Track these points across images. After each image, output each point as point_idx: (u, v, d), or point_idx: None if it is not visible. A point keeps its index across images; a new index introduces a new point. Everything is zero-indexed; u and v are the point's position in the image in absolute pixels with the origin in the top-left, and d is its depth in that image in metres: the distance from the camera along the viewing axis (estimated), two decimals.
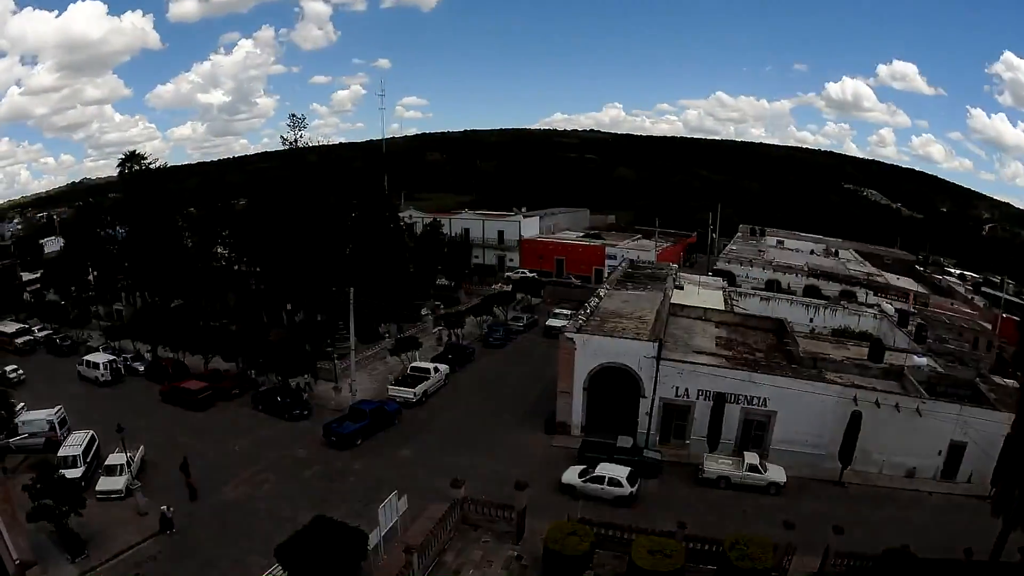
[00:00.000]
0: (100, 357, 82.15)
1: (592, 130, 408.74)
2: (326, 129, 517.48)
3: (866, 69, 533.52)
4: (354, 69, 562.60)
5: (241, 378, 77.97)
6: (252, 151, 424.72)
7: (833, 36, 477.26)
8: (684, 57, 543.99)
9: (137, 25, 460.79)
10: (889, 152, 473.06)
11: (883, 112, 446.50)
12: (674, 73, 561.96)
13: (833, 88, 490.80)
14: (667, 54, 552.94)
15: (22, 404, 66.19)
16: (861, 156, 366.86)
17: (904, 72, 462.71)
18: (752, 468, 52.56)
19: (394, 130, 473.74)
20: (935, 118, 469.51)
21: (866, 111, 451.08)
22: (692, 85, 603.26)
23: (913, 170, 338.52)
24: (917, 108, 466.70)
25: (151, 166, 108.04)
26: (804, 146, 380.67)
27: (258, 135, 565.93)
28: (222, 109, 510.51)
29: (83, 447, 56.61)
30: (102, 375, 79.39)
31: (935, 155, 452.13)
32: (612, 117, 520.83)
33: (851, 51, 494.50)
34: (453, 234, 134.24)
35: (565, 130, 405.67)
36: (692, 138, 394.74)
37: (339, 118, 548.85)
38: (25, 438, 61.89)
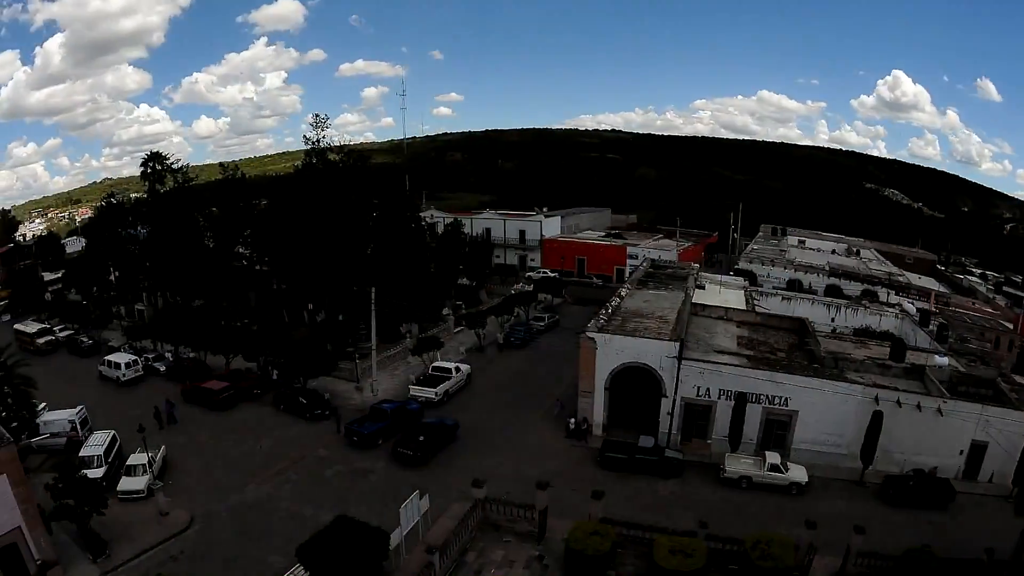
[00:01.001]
0: (121, 357, 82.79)
1: (614, 130, 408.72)
2: (358, 126, 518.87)
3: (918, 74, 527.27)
4: (385, 62, 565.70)
5: (262, 378, 78.29)
6: (273, 151, 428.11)
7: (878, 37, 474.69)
8: (718, 57, 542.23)
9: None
10: (929, 153, 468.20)
11: (931, 115, 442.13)
12: (711, 72, 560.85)
13: (882, 88, 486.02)
14: (702, 54, 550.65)
15: (43, 404, 66.52)
16: (883, 156, 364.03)
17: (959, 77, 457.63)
18: (774, 468, 52.58)
19: (424, 129, 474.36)
20: (991, 125, 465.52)
21: (908, 112, 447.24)
22: (736, 83, 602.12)
23: (935, 170, 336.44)
24: (975, 115, 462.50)
25: (173, 166, 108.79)
26: (827, 146, 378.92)
27: (281, 134, 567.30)
28: (245, 106, 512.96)
29: (104, 447, 57.02)
30: (123, 375, 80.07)
31: (974, 157, 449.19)
32: (645, 118, 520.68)
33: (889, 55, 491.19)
34: (475, 234, 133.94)
35: (587, 130, 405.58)
36: (714, 138, 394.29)
37: (366, 115, 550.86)
38: (46, 438, 62.21)
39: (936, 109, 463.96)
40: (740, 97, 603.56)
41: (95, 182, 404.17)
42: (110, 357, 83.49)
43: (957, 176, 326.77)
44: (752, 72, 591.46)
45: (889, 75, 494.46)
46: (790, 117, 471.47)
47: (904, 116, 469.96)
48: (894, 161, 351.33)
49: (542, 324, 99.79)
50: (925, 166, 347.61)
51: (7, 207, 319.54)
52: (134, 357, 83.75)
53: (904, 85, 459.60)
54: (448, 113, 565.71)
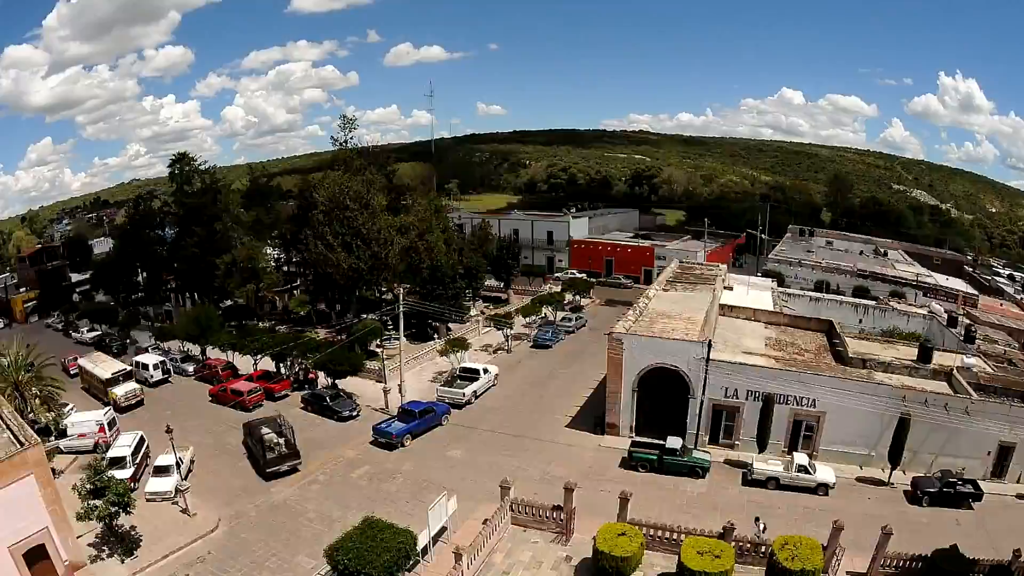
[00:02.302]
0: (150, 358, 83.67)
1: (642, 131, 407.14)
2: (393, 126, 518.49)
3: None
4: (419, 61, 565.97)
5: (290, 379, 79.00)
6: (303, 151, 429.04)
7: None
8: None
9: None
10: (983, 153, 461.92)
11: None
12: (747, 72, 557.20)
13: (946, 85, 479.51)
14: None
15: (72, 406, 67.25)
16: (911, 157, 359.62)
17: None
18: (801, 469, 52.62)
19: (452, 128, 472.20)
20: None
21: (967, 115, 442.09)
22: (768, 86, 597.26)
23: (962, 170, 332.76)
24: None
25: (200, 167, 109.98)
26: (854, 147, 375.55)
27: (315, 136, 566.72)
28: (275, 106, 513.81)
29: (132, 448, 57.42)
30: (152, 376, 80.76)
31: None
32: (676, 122, 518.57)
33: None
34: (502, 235, 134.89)
35: (615, 131, 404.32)
36: (742, 139, 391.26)
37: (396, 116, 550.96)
38: (74, 439, 62.71)
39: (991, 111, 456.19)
40: (770, 98, 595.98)
41: (122, 183, 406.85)
42: (138, 358, 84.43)
43: (985, 177, 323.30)
44: (779, 75, 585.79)
45: (944, 77, 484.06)
46: (824, 122, 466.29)
47: (957, 120, 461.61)
48: (921, 162, 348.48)
49: (570, 325, 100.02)
50: (953, 167, 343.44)
51: (35, 208, 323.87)
52: (162, 358, 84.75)
53: (960, 90, 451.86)
54: (488, 111, 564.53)
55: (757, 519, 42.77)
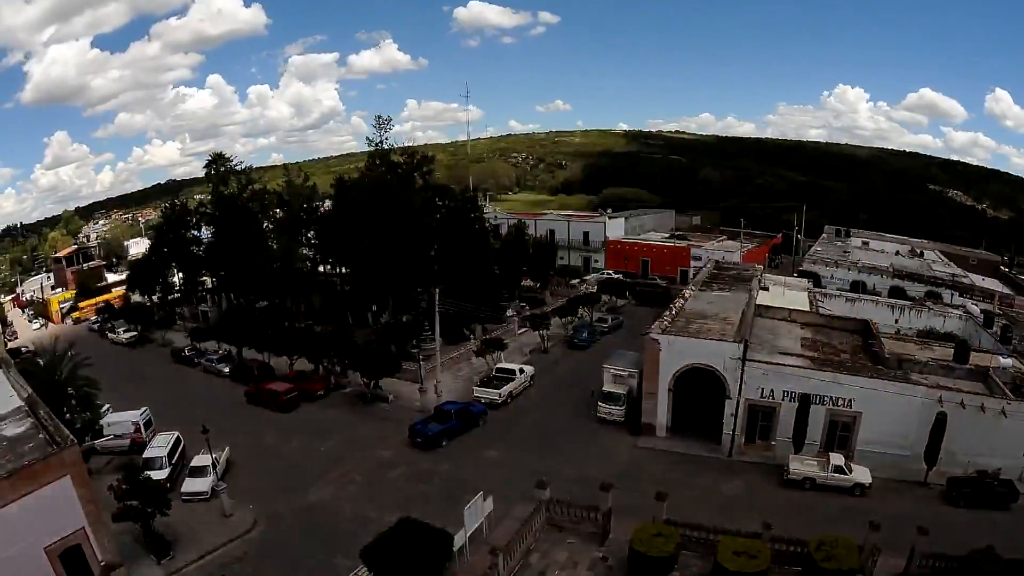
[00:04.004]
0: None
1: (678, 132, 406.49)
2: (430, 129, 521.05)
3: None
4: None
5: (326, 379, 79.70)
6: (337, 152, 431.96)
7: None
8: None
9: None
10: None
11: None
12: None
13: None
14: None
15: (107, 406, 67.72)
16: (946, 157, 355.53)
17: None
18: (837, 469, 52.82)
19: (489, 131, 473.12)
20: None
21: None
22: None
23: (998, 171, 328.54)
24: None
25: (236, 167, 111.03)
26: (889, 147, 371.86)
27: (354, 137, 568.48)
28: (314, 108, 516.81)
29: (168, 448, 58.11)
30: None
31: None
32: (716, 124, 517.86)
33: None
34: (538, 235, 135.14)
35: (651, 131, 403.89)
36: (777, 140, 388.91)
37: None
38: (110, 439, 63.84)
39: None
40: (811, 106, 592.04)
41: (159, 183, 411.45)
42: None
43: (1020, 177, 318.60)
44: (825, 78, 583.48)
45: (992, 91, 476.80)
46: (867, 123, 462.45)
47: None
48: (957, 162, 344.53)
49: (606, 325, 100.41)
50: (989, 167, 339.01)
51: (70, 208, 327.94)
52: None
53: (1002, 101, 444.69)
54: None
55: None
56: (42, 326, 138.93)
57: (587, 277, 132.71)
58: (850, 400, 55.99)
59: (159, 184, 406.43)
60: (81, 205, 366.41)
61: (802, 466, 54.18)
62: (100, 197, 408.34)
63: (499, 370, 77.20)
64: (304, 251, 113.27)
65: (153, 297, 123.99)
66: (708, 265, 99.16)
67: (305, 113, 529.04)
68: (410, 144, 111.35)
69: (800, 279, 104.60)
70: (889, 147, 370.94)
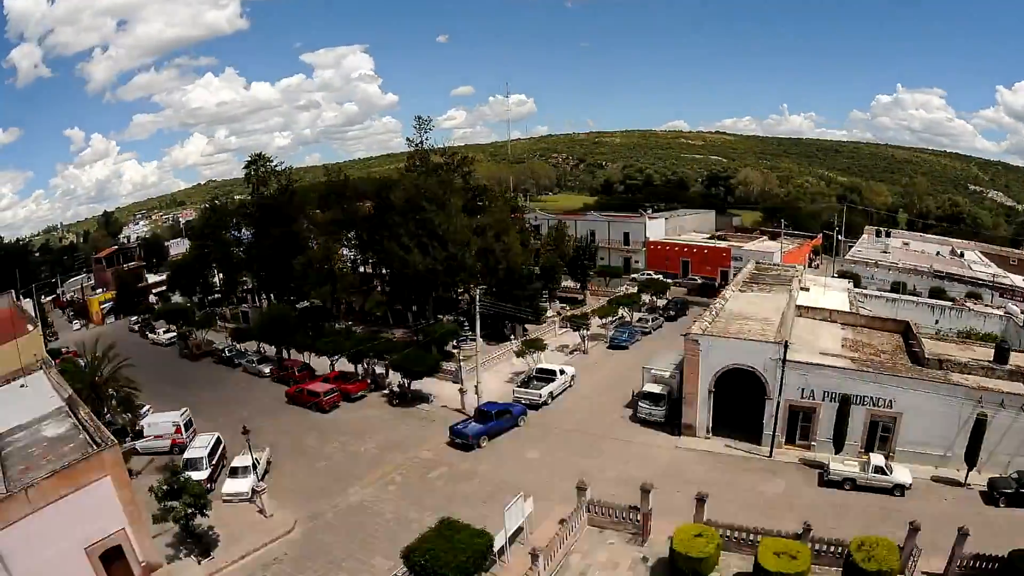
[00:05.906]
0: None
1: (717, 132, 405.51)
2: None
3: None
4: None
5: (367, 380, 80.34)
6: (378, 152, 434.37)
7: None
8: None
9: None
10: None
11: None
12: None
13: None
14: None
15: (148, 407, 69.13)
16: (987, 157, 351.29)
17: None
18: (878, 469, 52.74)
19: (528, 131, 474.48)
20: None
21: None
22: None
23: None
24: None
25: (276, 168, 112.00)
26: (930, 147, 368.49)
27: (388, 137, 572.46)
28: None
29: (208, 449, 58.65)
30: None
31: None
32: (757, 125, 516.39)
33: None
34: (579, 235, 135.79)
35: (691, 131, 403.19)
36: (817, 139, 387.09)
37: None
38: (151, 440, 64.67)
39: None
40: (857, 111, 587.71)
41: (198, 184, 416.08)
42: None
43: None
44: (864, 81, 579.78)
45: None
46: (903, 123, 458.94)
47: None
48: (998, 163, 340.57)
49: (647, 326, 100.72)
50: None
51: (111, 209, 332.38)
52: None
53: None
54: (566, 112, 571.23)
55: None
56: (83, 326, 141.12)
57: (634, 276, 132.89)
58: (891, 401, 56.08)
59: (199, 184, 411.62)
60: (121, 205, 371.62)
61: (842, 466, 54.13)
62: (141, 198, 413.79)
63: (539, 370, 77.46)
64: (344, 251, 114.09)
65: (193, 298, 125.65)
66: (748, 265, 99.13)
67: (348, 112, 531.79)
68: (448, 144, 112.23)
69: (840, 279, 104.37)
70: (930, 148, 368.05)
